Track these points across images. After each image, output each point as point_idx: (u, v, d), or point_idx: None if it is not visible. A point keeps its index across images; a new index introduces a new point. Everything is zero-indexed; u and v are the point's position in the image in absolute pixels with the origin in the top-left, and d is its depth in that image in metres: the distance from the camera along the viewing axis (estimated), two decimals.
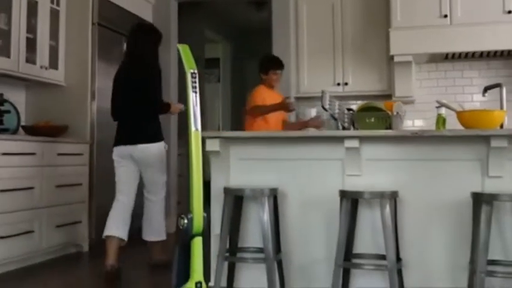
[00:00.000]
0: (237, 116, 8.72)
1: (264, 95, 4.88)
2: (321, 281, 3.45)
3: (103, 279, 3.90)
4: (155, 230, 4.25)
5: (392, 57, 5.62)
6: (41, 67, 4.92)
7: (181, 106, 4.49)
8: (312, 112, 5.17)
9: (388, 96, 5.71)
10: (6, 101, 4.72)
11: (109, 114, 4.38)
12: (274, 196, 3.49)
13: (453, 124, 3.79)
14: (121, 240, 4.12)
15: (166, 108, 4.37)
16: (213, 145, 3.59)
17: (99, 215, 5.10)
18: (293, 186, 3.65)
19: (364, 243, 3.47)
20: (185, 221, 1.90)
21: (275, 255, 3.35)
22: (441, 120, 3.85)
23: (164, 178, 4.36)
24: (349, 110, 4.23)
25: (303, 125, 4.94)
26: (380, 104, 3.91)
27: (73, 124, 5.08)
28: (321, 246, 3.55)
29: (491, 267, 3.07)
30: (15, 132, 4.78)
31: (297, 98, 6.09)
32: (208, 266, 3.57)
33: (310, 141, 3.62)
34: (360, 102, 5.02)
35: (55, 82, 5.11)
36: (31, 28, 4.85)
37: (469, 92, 5.91)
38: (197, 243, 1.91)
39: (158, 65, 4.39)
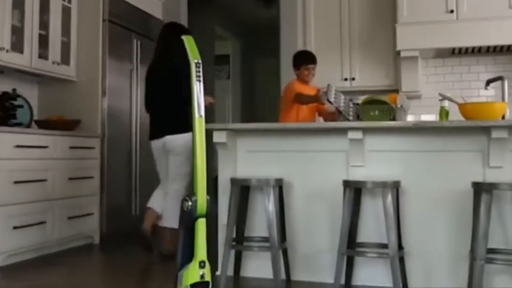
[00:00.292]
0: (246, 112, 8.82)
1: (299, 89, 4.90)
2: (326, 270, 3.53)
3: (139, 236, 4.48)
4: (172, 218, 4.33)
5: (398, 53, 5.68)
6: (53, 63, 5.02)
7: (210, 99, 4.69)
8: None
9: (395, 91, 5.74)
10: (19, 95, 4.83)
11: (120, 109, 4.56)
12: (279, 186, 3.58)
13: (456, 117, 3.84)
14: (156, 212, 4.54)
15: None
16: (220, 137, 3.68)
17: (110, 207, 5.22)
18: (299, 177, 3.73)
19: (367, 233, 3.55)
20: (190, 203, 1.98)
21: (280, 244, 3.44)
22: (444, 113, 3.91)
23: (189, 169, 4.48)
24: (356, 104, 4.30)
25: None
26: (384, 97, 3.98)
27: (84, 119, 5.18)
28: (326, 236, 3.63)
29: (491, 256, 3.14)
30: (28, 126, 4.89)
31: None
32: (215, 256, 3.68)
33: (316, 133, 3.70)
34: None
35: (67, 77, 5.21)
36: (43, 25, 4.95)
37: (476, 87, 5.93)
38: (201, 224, 1.99)
39: (186, 62, 4.48)
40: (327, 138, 3.67)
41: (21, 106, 4.79)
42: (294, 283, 3.61)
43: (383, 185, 3.21)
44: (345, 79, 6.05)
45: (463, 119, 3.55)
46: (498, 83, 4.76)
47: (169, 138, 4.44)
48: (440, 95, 3.90)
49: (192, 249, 1.99)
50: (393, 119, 3.85)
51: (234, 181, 3.52)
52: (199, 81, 2.05)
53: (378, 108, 3.90)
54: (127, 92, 5.61)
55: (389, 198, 3.18)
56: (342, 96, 4.25)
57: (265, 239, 3.55)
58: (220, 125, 3.72)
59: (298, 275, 3.67)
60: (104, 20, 5.35)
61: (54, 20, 5.08)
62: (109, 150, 5.26)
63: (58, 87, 5.30)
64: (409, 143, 3.55)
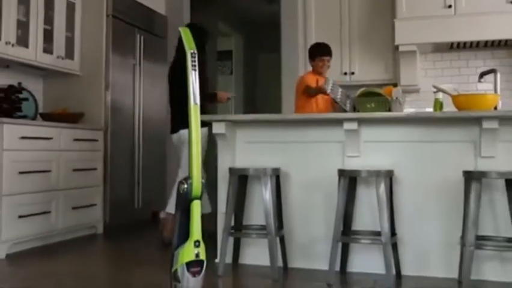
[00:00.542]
0: (248, 106, 8.91)
1: (310, 81, 4.96)
2: (322, 257, 3.61)
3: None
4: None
5: (397, 47, 5.77)
6: (58, 57, 5.13)
7: (229, 94, 5.05)
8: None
9: (393, 85, 5.82)
10: (24, 89, 4.94)
11: (123, 103, 4.95)
12: (276, 176, 3.68)
13: (450, 108, 3.93)
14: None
15: (211, 98, 4.89)
16: (219, 128, 3.79)
17: (113, 199, 5.33)
18: (296, 167, 3.83)
19: (362, 221, 3.65)
20: (185, 186, 2.08)
21: (277, 231, 3.53)
22: (438, 104, 4.00)
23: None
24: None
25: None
26: (380, 89, 4.07)
27: (88, 112, 5.29)
28: (322, 224, 3.73)
29: (481, 242, 3.23)
30: (33, 119, 5.01)
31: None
32: (215, 245, 3.79)
33: (313, 124, 3.80)
34: None
35: (71, 72, 5.32)
36: (48, 20, 5.06)
37: (474, 81, 5.98)
38: (196, 206, 2.09)
39: (204, 61, 4.81)
40: (324, 129, 3.77)
41: (26, 99, 4.90)
42: (290, 270, 3.70)
43: (377, 174, 3.31)
44: (345, 73, 6.14)
45: (456, 110, 3.64)
46: (502, 82, 4.92)
47: (182, 132, 4.64)
48: (434, 87, 3.98)
49: (187, 229, 2.10)
50: (389, 111, 3.94)
51: (232, 171, 3.62)
52: (194, 70, 2.15)
53: (374, 101, 3.98)
54: (130, 87, 5.72)
55: (382, 187, 3.27)
56: (340, 89, 4.34)
57: (263, 227, 3.65)
58: (219, 116, 3.83)
59: (295, 262, 3.77)
60: (107, 16, 5.46)
61: (59, 15, 5.19)
62: (112, 143, 5.37)
63: (62, 81, 5.41)
64: (403, 134, 3.64)
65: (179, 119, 4.66)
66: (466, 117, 3.43)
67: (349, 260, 3.67)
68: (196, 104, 2.12)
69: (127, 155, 5.62)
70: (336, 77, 5.70)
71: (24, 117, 4.76)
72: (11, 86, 4.74)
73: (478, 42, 5.83)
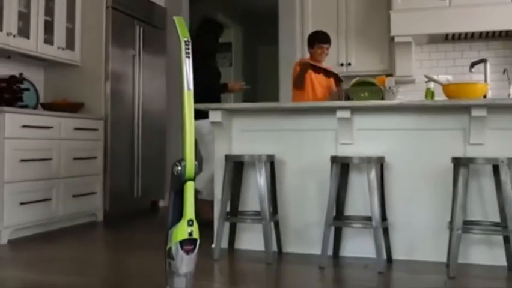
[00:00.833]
0: (248, 98, 8.98)
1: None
2: (316, 242, 3.70)
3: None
4: (207, 192, 4.88)
5: (392, 38, 5.86)
6: (58, 48, 5.22)
7: (241, 84, 5.27)
8: None
9: (389, 76, 5.92)
10: (25, 79, 5.03)
11: (123, 93, 5.21)
12: (271, 162, 3.77)
13: (442, 97, 4.00)
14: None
15: (223, 89, 5.20)
16: (215, 116, 3.88)
17: (113, 187, 5.43)
18: (290, 154, 3.93)
19: (355, 207, 3.75)
20: (179, 167, 2.18)
21: (271, 216, 3.63)
22: (430, 93, 4.09)
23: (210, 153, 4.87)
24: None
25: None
26: (373, 79, 4.15)
27: (88, 102, 5.39)
28: (316, 210, 3.82)
29: (468, 226, 3.33)
30: (34, 108, 5.10)
31: None
32: (211, 231, 3.89)
33: (307, 112, 3.89)
34: None
35: (71, 62, 5.41)
36: (49, 11, 5.15)
37: (468, 71, 6.09)
38: (189, 187, 2.18)
39: (215, 55, 5.28)
40: (318, 117, 3.86)
41: (27, 89, 4.99)
42: (285, 254, 3.80)
43: (368, 160, 3.40)
44: (341, 64, 6.23)
45: (447, 99, 3.73)
46: (496, 73, 5.03)
47: (196, 123, 4.79)
48: (426, 76, 4.08)
49: (181, 209, 2.19)
50: (382, 100, 4.02)
51: (228, 157, 3.71)
52: (188, 57, 2.25)
53: (367, 90, 4.07)
54: (129, 77, 5.81)
55: (373, 173, 3.37)
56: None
57: (258, 213, 3.75)
58: (215, 105, 3.91)
59: (289, 247, 3.87)
60: (107, 7, 5.53)
61: (60, 6, 5.27)
62: (112, 133, 5.46)
63: (63, 72, 5.49)
64: (395, 122, 3.73)
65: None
66: (455, 105, 3.51)
67: (341, 245, 3.76)
68: (189, 89, 2.21)
69: (126, 144, 5.72)
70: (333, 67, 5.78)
71: (26, 107, 4.85)
72: (12, 77, 4.82)
73: (472, 34, 5.91)
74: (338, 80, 5.03)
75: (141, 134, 5.92)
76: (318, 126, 3.88)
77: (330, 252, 3.67)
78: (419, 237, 3.64)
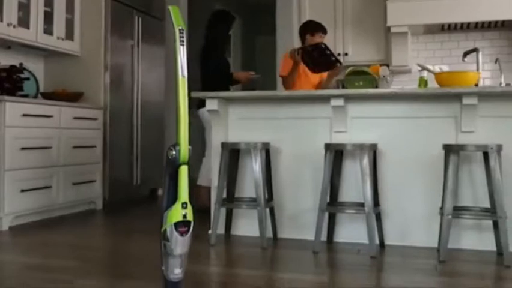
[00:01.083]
0: (246, 87, 9.03)
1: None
2: (310, 228, 3.76)
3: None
4: (206, 178, 4.92)
5: (389, 29, 5.91)
6: (58, 38, 5.29)
7: (249, 74, 5.32)
8: None
9: (385, 66, 5.97)
10: (25, 69, 5.09)
11: (122, 83, 5.34)
12: (266, 150, 3.85)
13: (435, 86, 4.07)
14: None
15: (229, 78, 5.23)
16: (212, 104, 3.95)
17: (112, 176, 5.51)
18: (286, 142, 4.00)
19: (348, 193, 3.82)
20: (174, 152, 2.24)
21: (266, 202, 3.71)
22: (423, 82, 4.15)
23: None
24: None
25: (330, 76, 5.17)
26: (367, 68, 4.21)
27: (87, 92, 5.45)
28: (310, 196, 3.89)
29: (458, 211, 3.41)
30: (34, 98, 5.17)
31: None
32: (208, 218, 3.97)
33: (302, 101, 3.96)
34: None
35: (71, 52, 5.47)
36: (49, 2, 5.20)
37: (465, 61, 6.14)
38: (183, 171, 2.24)
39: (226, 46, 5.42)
40: (313, 105, 3.93)
41: (27, 79, 5.06)
42: (280, 240, 3.88)
43: (361, 147, 3.48)
44: (339, 54, 6.27)
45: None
46: (492, 63, 5.10)
47: (200, 111, 5.02)
48: (419, 65, 4.14)
49: (175, 192, 2.26)
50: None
51: (224, 145, 3.79)
52: (182, 45, 2.30)
53: (362, 79, 4.12)
54: (128, 67, 5.87)
55: (366, 159, 3.44)
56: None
57: (254, 200, 3.82)
58: (212, 93, 3.98)
59: (284, 233, 3.95)
60: None
61: None
62: (112, 122, 5.53)
63: (63, 62, 5.56)
64: (389, 110, 3.80)
65: (197, 100, 4.89)
66: (447, 93, 3.58)
67: (336, 231, 3.84)
68: (183, 76, 2.27)
69: (126, 133, 5.79)
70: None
71: (26, 96, 4.91)
72: (12, 66, 4.89)
73: (468, 24, 5.97)
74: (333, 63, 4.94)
75: (140, 123, 5.99)
76: (312, 115, 3.94)
77: (324, 238, 3.75)
78: (412, 223, 3.71)
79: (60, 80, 5.50)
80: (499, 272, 3.09)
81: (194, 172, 4.78)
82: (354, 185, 3.78)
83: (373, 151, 3.65)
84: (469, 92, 3.47)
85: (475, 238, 3.58)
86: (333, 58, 4.66)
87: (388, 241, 3.71)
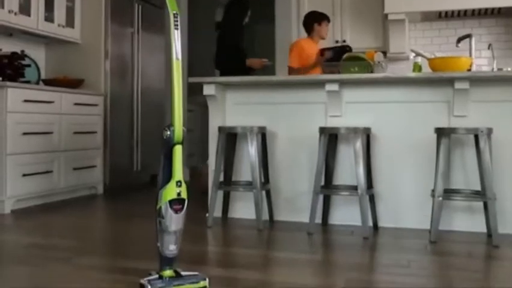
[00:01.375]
0: (245, 74, 9.09)
1: (307, 46, 5.23)
2: (306, 211, 3.84)
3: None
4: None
5: (386, 16, 5.96)
6: (59, 25, 5.36)
7: (263, 61, 5.36)
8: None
9: (383, 53, 6.03)
10: (27, 56, 5.17)
11: (122, 69, 5.47)
12: (262, 133, 3.92)
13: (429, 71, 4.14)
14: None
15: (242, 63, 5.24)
16: (209, 90, 4.02)
17: (113, 161, 5.59)
18: (282, 126, 4.08)
19: (343, 177, 3.90)
20: (168, 132, 2.32)
21: (262, 185, 3.79)
22: (417, 67, 4.22)
23: None
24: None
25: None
26: (363, 54, 4.28)
27: (88, 79, 5.53)
28: (306, 180, 3.97)
29: (449, 194, 3.49)
30: (36, 84, 5.24)
31: None
32: (206, 202, 4.05)
33: (297, 86, 4.03)
34: None
35: (72, 40, 5.54)
36: None
37: (463, 49, 6.18)
38: (177, 150, 2.32)
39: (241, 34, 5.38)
40: (308, 90, 4.00)
41: (29, 65, 5.13)
42: (276, 223, 3.97)
43: (354, 131, 3.55)
44: (337, 41, 6.35)
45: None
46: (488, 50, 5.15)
47: None
48: (412, 51, 4.20)
49: (170, 171, 2.34)
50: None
51: (221, 129, 3.86)
52: (177, 29, 2.37)
53: (357, 65, 4.19)
54: (128, 54, 5.94)
55: (359, 142, 3.52)
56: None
57: (250, 183, 3.89)
58: (209, 79, 4.05)
59: (280, 216, 4.04)
60: None
61: None
62: (112, 108, 5.61)
63: (63, 49, 5.64)
64: (383, 95, 3.87)
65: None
66: (439, 78, 3.65)
67: (330, 214, 3.92)
68: (177, 59, 2.34)
69: (126, 120, 5.87)
70: (328, 45, 5.88)
71: (27, 82, 4.99)
72: (14, 53, 4.95)
73: (465, 11, 6.01)
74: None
75: (140, 110, 6.07)
76: (308, 99, 4.02)
77: (319, 220, 3.84)
78: (405, 205, 3.79)
79: (61, 67, 5.58)
80: (488, 251, 3.17)
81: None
82: (349, 168, 3.86)
83: (366, 135, 3.73)
84: (461, 77, 3.54)
85: (466, 220, 3.66)
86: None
87: (381, 223, 3.80)
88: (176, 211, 2.32)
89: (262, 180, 3.87)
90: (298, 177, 4.02)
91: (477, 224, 3.61)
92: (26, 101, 4.52)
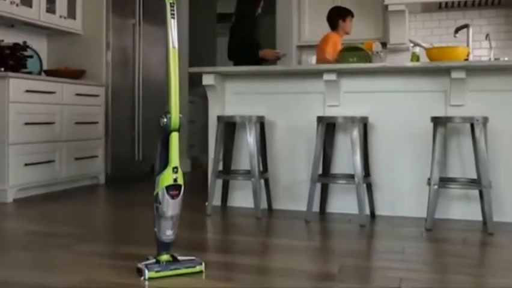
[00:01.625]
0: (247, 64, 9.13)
1: (338, 41, 5.31)
2: (304, 199, 3.88)
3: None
4: None
5: (386, 7, 5.99)
6: (60, 17, 5.39)
7: (276, 52, 5.38)
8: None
9: (383, 44, 6.06)
10: (29, 47, 5.21)
11: (123, 61, 5.50)
12: (261, 123, 3.96)
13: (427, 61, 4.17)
14: None
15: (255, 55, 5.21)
16: (208, 80, 4.06)
17: (114, 152, 5.65)
18: (281, 116, 4.11)
19: (341, 165, 3.94)
20: (165, 119, 2.37)
21: (260, 174, 3.83)
22: (415, 57, 4.25)
23: None
24: None
25: None
26: (361, 44, 4.31)
27: (90, 70, 5.57)
28: (304, 168, 4.02)
29: (445, 182, 3.53)
30: (38, 75, 5.29)
31: (299, 47, 6.53)
32: (206, 191, 4.10)
33: (296, 76, 4.07)
34: None
35: (73, 31, 5.59)
36: None
37: (462, 40, 6.20)
38: (174, 137, 2.37)
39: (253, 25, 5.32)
40: (307, 80, 4.04)
41: (31, 56, 5.17)
42: (275, 211, 4.01)
43: (352, 120, 3.59)
44: None
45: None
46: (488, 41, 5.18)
47: None
48: (410, 41, 4.23)
49: (167, 158, 2.39)
50: None
51: (220, 118, 3.90)
52: (173, 18, 2.42)
53: (356, 55, 4.22)
54: (130, 45, 5.98)
55: (356, 131, 3.55)
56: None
57: (249, 172, 3.94)
58: (208, 69, 4.09)
59: (279, 204, 4.08)
60: None
61: None
62: (113, 99, 5.66)
63: (65, 40, 5.68)
64: (380, 85, 3.90)
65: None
66: (435, 67, 3.68)
67: (328, 202, 3.97)
68: (174, 48, 2.39)
69: (127, 110, 5.92)
70: None
71: (29, 73, 5.03)
72: (16, 44, 4.99)
73: (465, 2, 6.04)
74: None
75: (142, 101, 6.11)
76: (307, 89, 4.05)
77: (317, 208, 3.88)
78: (401, 194, 3.83)
79: (63, 58, 5.63)
80: (483, 238, 3.21)
81: None
82: (346, 157, 3.90)
83: (364, 124, 3.76)
84: (457, 66, 3.57)
85: (462, 208, 3.70)
86: None
87: (378, 211, 3.84)
88: (172, 197, 2.37)
89: (261, 169, 3.91)
90: (296, 166, 4.06)
91: (473, 213, 3.65)
92: (28, 91, 4.56)
